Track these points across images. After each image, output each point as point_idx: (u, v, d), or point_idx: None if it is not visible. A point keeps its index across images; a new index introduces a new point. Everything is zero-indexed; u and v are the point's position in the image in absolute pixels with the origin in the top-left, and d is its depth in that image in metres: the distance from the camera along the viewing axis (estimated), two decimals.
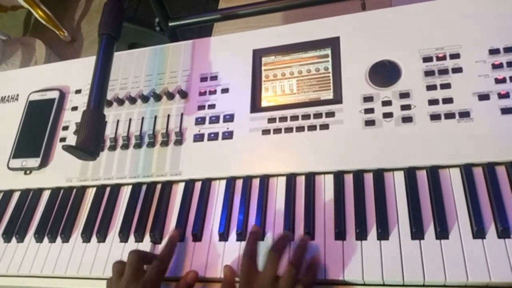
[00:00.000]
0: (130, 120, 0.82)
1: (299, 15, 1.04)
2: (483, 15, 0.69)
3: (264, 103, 0.77)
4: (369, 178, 0.66)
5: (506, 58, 0.66)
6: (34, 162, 0.84)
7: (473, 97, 0.65)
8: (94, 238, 0.74)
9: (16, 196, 0.85)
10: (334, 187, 0.66)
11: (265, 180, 0.71)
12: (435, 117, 0.65)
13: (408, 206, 0.62)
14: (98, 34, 0.74)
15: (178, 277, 0.66)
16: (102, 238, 0.73)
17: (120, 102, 0.84)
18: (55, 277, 0.73)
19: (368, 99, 0.70)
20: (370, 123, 0.68)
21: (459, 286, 0.56)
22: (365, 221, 0.62)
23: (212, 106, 0.78)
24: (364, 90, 0.71)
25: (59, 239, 0.76)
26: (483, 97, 0.64)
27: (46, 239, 0.77)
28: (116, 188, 0.79)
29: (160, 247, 0.70)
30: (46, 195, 0.83)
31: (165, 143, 0.78)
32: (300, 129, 0.71)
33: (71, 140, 0.84)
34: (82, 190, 0.81)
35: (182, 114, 0.79)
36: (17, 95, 0.94)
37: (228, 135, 0.75)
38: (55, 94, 0.89)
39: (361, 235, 0.61)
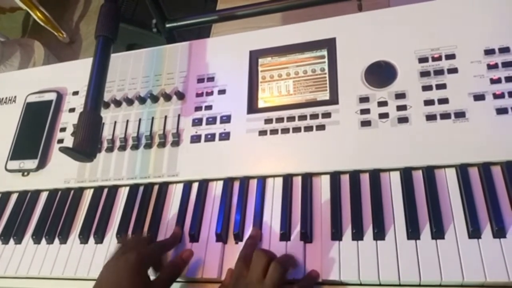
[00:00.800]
0: (127, 121, 0.83)
1: (296, 16, 1.04)
2: (478, 15, 0.70)
3: (260, 104, 0.77)
4: (365, 179, 0.66)
5: (501, 58, 0.66)
6: (31, 163, 0.84)
7: (469, 98, 0.65)
8: (91, 239, 0.74)
9: (13, 197, 0.85)
10: (330, 188, 0.67)
11: (262, 180, 0.71)
12: (430, 117, 0.66)
13: (404, 206, 0.62)
14: (95, 36, 0.74)
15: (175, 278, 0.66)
16: (99, 239, 0.74)
17: (117, 103, 0.84)
18: (53, 279, 0.73)
19: (364, 99, 0.70)
20: (366, 123, 0.68)
21: (455, 286, 0.56)
22: (362, 221, 0.62)
23: (209, 107, 0.79)
24: (360, 91, 0.71)
25: (57, 241, 0.76)
26: (479, 97, 0.65)
27: (44, 241, 0.77)
28: (113, 189, 0.79)
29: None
30: (43, 197, 0.83)
31: (162, 144, 0.78)
32: (296, 129, 0.72)
33: (69, 141, 0.84)
34: (79, 191, 0.81)
35: (179, 115, 0.80)
36: (15, 97, 0.95)
37: (225, 136, 0.75)
38: (52, 96, 0.90)
39: (358, 235, 0.61)
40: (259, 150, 0.72)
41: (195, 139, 0.76)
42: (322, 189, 0.67)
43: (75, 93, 0.90)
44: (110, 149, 0.81)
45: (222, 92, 0.79)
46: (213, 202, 0.72)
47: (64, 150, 0.65)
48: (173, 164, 0.76)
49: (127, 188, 0.78)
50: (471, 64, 0.67)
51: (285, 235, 0.64)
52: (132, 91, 0.85)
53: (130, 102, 0.84)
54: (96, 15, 0.76)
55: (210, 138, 0.76)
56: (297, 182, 0.69)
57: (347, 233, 0.62)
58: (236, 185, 0.72)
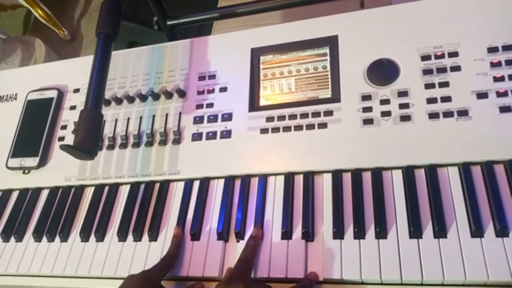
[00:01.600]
0: (128, 119, 0.82)
1: (297, 13, 1.04)
2: (481, 13, 0.69)
3: (262, 102, 0.77)
4: (367, 177, 0.66)
5: (504, 56, 0.65)
6: (32, 161, 0.84)
7: (472, 96, 0.65)
8: (92, 237, 0.74)
9: (14, 195, 0.85)
10: (332, 186, 0.66)
11: (263, 179, 0.71)
12: (433, 115, 0.65)
13: (406, 205, 0.62)
14: (95, 33, 0.74)
15: (177, 276, 0.66)
16: (100, 237, 0.73)
17: (119, 101, 0.84)
18: (53, 276, 0.73)
19: (366, 97, 0.70)
20: (368, 121, 0.68)
21: (457, 285, 0.56)
22: (363, 220, 0.62)
23: (210, 105, 0.78)
24: (363, 89, 0.70)
25: (57, 239, 0.76)
26: (482, 95, 0.64)
27: (44, 239, 0.77)
28: (114, 187, 0.79)
29: (155, 244, 0.70)
30: (44, 195, 0.83)
31: (163, 142, 0.78)
32: (298, 128, 0.71)
33: (70, 139, 0.84)
34: (80, 189, 0.81)
35: (180, 113, 0.79)
36: (16, 94, 0.94)
37: (227, 134, 0.75)
38: (53, 93, 0.89)
39: (359, 234, 0.61)
40: (261, 148, 0.72)
41: (197, 137, 0.76)
42: (324, 187, 0.67)
43: (76, 90, 0.90)
44: (111, 147, 0.81)
45: (223, 89, 0.79)
46: (214, 200, 0.72)
47: (65, 148, 0.65)
48: (174, 162, 0.76)
49: (128, 186, 0.78)
50: (474, 62, 0.67)
51: (286, 234, 0.64)
52: (133, 89, 0.85)
53: (131, 99, 0.83)
54: (97, 12, 0.75)
55: (212, 136, 0.75)
56: (299, 180, 0.69)
57: (349, 231, 0.62)
58: (238, 183, 0.72)
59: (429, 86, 0.67)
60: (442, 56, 0.68)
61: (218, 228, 0.68)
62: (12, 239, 0.79)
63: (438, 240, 0.58)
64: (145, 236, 0.71)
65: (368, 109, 0.69)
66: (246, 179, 0.71)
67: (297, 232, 0.64)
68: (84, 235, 0.74)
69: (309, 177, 0.68)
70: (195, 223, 0.69)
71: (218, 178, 0.74)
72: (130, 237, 0.72)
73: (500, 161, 0.61)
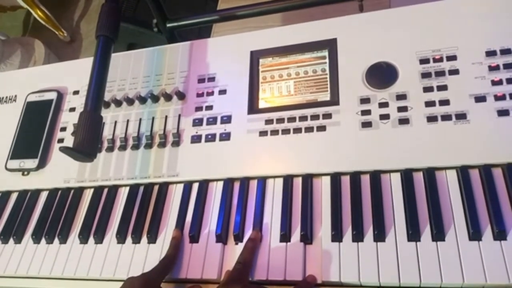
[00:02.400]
0: (127, 121, 0.83)
1: (297, 16, 1.04)
2: (480, 17, 0.69)
3: (261, 105, 0.77)
4: (365, 180, 0.66)
5: (502, 60, 0.66)
6: (32, 163, 0.84)
7: (470, 99, 0.65)
8: (91, 239, 0.74)
9: (14, 197, 0.85)
10: (331, 189, 0.67)
11: (262, 181, 0.71)
12: (431, 118, 0.65)
13: (404, 208, 0.62)
14: (95, 35, 0.74)
15: (175, 278, 0.66)
16: (99, 239, 0.73)
17: (118, 103, 0.84)
18: (52, 278, 0.73)
19: (365, 100, 0.70)
20: (367, 124, 0.68)
21: None
22: (362, 223, 0.62)
23: (209, 108, 0.78)
24: (361, 92, 0.71)
25: (56, 240, 0.76)
26: (480, 99, 0.64)
27: (43, 240, 0.77)
28: (113, 189, 0.79)
29: (154, 247, 0.70)
30: (43, 196, 0.83)
31: (162, 144, 0.78)
32: (297, 130, 0.71)
33: (69, 141, 0.84)
34: (79, 191, 0.81)
35: (179, 116, 0.80)
36: (15, 96, 0.95)
37: (226, 137, 0.75)
38: (53, 95, 0.90)
39: (358, 237, 0.61)
40: (260, 150, 0.72)
41: (196, 139, 0.76)
42: (323, 190, 0.67)
43: (76, 92, 0.90)
44: (110, 149, 0.81)
45: (222, 92, 0.79)
46: (213, 202, 0.72)
47: (65, 150, 0.65)
48: (173, 164, 0.76)
49: (127, 188, 0.78)
50: (472, 66, 0.67)
51: (285, 236, 0.64)
52: (133, 91, 0.85)
53: (130, 102, 0.84)
54: (97, 14, 0.76)
55: (211, 138, 0.75)
56: (298, 183, 0.69)
57: (348, 234, 0.62)
58: (237, 185, 0.72)
59: (427, 89, 0.68)
60: (440, 60, 0.69)
61: (217, 231, 0.68)
62: (11, 240, 0.79)
63: (436, 243, 0.58)
64: (144, 238, 0.71)
65: (366, 112, 0.69)
66: (245, 182, 0.72)
67: (296, 234, 0.64)
68: (83, 237, 0.74)
69: (308, 179, 0.68)
70: (194, 226, 0.69)
71: (217, 180, 0.74)
72: (129, 239, 0.72)
73: (498, 164, 0.61)
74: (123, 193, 0.78)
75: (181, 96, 0.81)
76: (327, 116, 0.71)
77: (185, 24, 1.06)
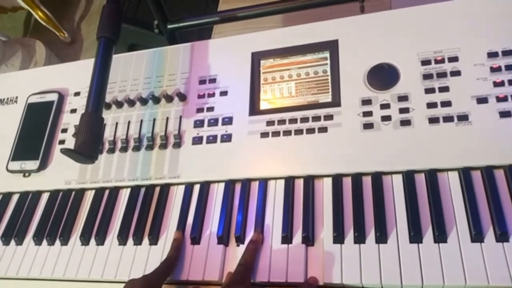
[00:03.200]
0: (129, 122, 0.82)
1: (298, 17, 1.04)
2: (481, 18, 0.69)
3: (262, 106, 0.77)
4: (367, 181, 0.66)
5: (504, 61, 0.65)
6: (33, 164, 0.84)
7: (472, 101, 0.65)
8: (92, 241, 0.74)
9: (15, 198, 0.85)
10: (332, 190, 0.66)
11: (263, 183, 0.71)
12: (433, 120, 0.65)
13: (406, 209, 0.62)
14: (96, 37, 0.74)
15: (177, 280, 0.66)
16: (100, 241, 0.73)
17: (119, 104, 0.84)
18: (53, 280, 0.73)
19: (366, 102, 0.70)
20: (368, 126, 0.68)
21: None
22: (364, 225, 0.62)
23: (210, 109, 0.78)
24: (363, 93, 0.71)
25: (57, 242, 0.76)
26: (482, 100, 0.64)
27: (45, 242, 0.77)
28: (114, 191, 0.79)
29: (155, 248, 0.70)
30: (45, 198, 0.83)
31: (163, 146, 0.78)
32: (298, 132, 0.71)
33: (70, 142, 0.84)
34: (81, 192, 0.81)
35: (180, 117, 0.80)
36: (16, 97, 0.94)
37: (227, 138, 0.75)
38: (54, 97, 0.90)
39: (360, 238, 0.61)
40: (261, 152, 0.72)
41: (197, 140, 0.76)
42: (324, 191, 0.67)
43: (77, 94, 0.90)
44: (111, 150, 0.81)
45: (224, 93, 0.79)
46: (214, 204, 0.72)
47: (66, 152, 0.65)
48: (174, 166, 0.76)
49: (129, 190, 0.78)
50: (474, 67, 0.67)
51: (286, 238, 0.64)
52: (134, 92, 0.85)
53: (131, 103, 0.83)
54: (98, 15, 0.76)
55: (212, 139, 0.75)
56: (299, 184, 0.69)
57: (349, 236, 0.62)
58: (238, 187, 0.72)
59: (429, 90, 0.67)
60: (442, 61, 0.69)
61: (218, 232, 0.68)
62: (12, 242, 0.79)
63: (438, 245, 0.58)
64: (145, 240, 0.71)
65: (368, 114, 0.69)
66: (246, 183, 0.71)
67: (297, 236, 0.64)
68: (85, 239, 0.74)
69: (309, 181, 0.68)
70: (195, 227, 0.69)
71: (218, 182, 0.74)
72: (130, 240, 0.72)
73: (500, 166, 0.61)
74: (124, 195, 0.78)
75: (182, 97, 0.81)
76: (329, 117, 0.71)
77: (186, 25, 1.06)
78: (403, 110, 0.67)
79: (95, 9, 2.42)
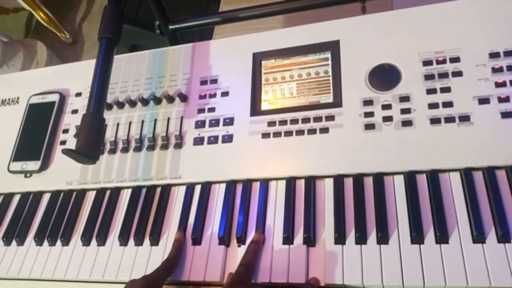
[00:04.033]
0: (130, 123, 0.83)
1: (299, 18, 1.04)
2: (483, 18, 0.69)
3: (264, 107, 0.77)
4: (369, 182, 0.66)
5: (506, 62, 0.65)
6: (34, 165, 0.84)
7: (473, 101, 0.65)
8: (94, 242, 0.74)
9: (16, 199, 0.85)
10: (334, 191, 0.66)
11: (265, 183, 0.71)
12: (435, 121, 0.65)
13: (408, 210, 0.62)
14: (98, 37, 0.74)
15: (178, 280, 0.66)
16: (102, 241, 0.73)
17: (120, 105, 0.84)
18: (55, 280, 0.73)
19: (368, 102, 0.70)
20: (370, 126, 0.68)
21: None
22: (365, 225, 0.62)
23: (212, 110, 0.78)
24: (364, 94, 0.71)
25: (59, 242, 0.76)
26: (483, 101, 0.64)
27: (46, 242, 0.77)
28: (116, 191, 0.79)
29: (156, 249, 0.70)
30: (46, 198, 0.83)
31: (165, 147, 0.78)
32: (300, 132, 0.71)
33: (71, 143, 0.84)
34: (82, 193, 0.81)
35: (182, 118, 0.80)
36: (18, 98, 0.95)
37: (228, 139, 0.75)
38: (55, 97, 0.90)
39: (361, 239, 0.61)
40: (262, 152, 0.72)
41: (198, 141, 0.76)
42: (326, 192, 0.67)
43: (78, 94, 0.90)
44: (112, 151, 0.81)
45: (225, 94, 0.79)
46: (215, 204, 0.72)
47: (67, 152, 0.65)
48: (175, 166, 0.76)
49: (130, 190, 0.78)
50: (476, 68, 0.67)
51: (288, 239, 0.64)
52: (135, 93, 0.85)
53: (133, 104, 0.84)
54: (99, 15, 0.76)
55: (213, 140, 0.75)
56: (300, 185, 0.69)
57: (351, 237, 0.62)
58: (239, 187, 0.72)
59: (430, 91, 0.67)
60: (443, 62, 0.68)
61: (219, 233, 0.68)
62: (14, 242, 0.79)
63: (440, 245, 0.58)
64: (147, 241, 0.71)
65: (369, 114, 0.69)
66: (247, 184, 0.71)
67: (299, 237, 0.64)
68: (86, 239, 0.74)
69: (311, 182, 0.68)
70: (196, 228, 0.69)
71: (219, 182, 0.74)
72: (131, 241, 0.72)
73: (502, 166, 0.61)
74: (125, 195, 0.78)
75: (184, 98, 0.81)
76: (330, 118, 0.71)
77: (187, 26, 1.06)
78: (405, 111, 0.67)
79: (96, 10, 2.42)
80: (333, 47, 0.76)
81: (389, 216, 0.62)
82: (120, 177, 0.78)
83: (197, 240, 0.68)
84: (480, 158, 0.61)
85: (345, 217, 0.64)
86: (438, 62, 0.69)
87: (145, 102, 0.83)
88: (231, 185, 0.72)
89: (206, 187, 0.73)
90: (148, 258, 0.70)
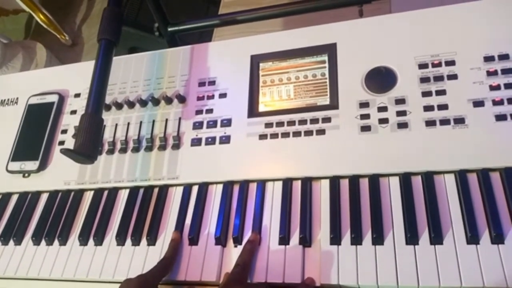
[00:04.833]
0: (128, 124, 0.83)
1: (298, 21, 1.05)
2: (478, 22, 0.70)
3: (261, 108, 0.77)
4: (364, 183, 0.66)
5: (500, 65, 0.66)
6: (32, 165, 0.84)
7: (468, 104, 0.65)
8: (91, 241, 0.74)
9: (14, 198, 0.86)
10: (330, 192, 0.67)
11: (261, 184, 0.71)
12: (430, 123, 0.66)
13: (403, 211, 0.62)
14: (97, 39, 0.75)
15: (174, 280, 0.66)
16: (99, 241, 0.74)
17: (119, 106, 0.85)
18: (52, 280, 0.74)
19: (364, 105, 0.70)
20: (366, 128, 0.69)
21: None
22: (360, 226, 0.62)
23: (209, 111, 0.79)
24: (360, 96, 0.71)
25: (56, 242, 0.76)
26: (478, 103, 0.65)
27: (43, 242, 0.77)
28: (113, 192, 0.79)
29: (153, 249, 0.70)
30: (44, 198, 0.83)
31: (162, 147, 0.78)
32: (296, 134, 0.72)
33: (70, 143, 0.85)
34: (80, 193, 0.81)
35: (180, 119, 0.80)
36: (17, 98, 0.95)
37: (226, 140, 0.75)
38: (54, 98, 0.90)
39: (356, 240, 0.61)
40: (259, 154, 0.73)
41: (196, 142, 0.77)
42: (322, 193, 0.68)
43: (77, 95, 0.90)
44: (111, 151, 0.81)
45: (223, 96, 0.80)
46: (212, 205, 0.72)
47: (65, 152, 0.65)
48: (173, 167, 0.76)
49: (127, 191, 0.79)
50: (470, 71, 0.67)
51: (284, 239, 0.65)
52: (134, 94, 0.86)
53: (131, 105, 0.84)
54: (99, 18, 0.76)
55: (211, 141, 0.76)
56: (297, 186, 0.69)
57: (346, 237, 0.62)
58: (236, 188, 0.73)
59: (426, 94, 0.68)
60: (439, 65, 0.69)
61: (216, 233, 0.68)
62: (11, 242, 0.79)
63: (434, 246, 0.58)
64: (144, 241, 0.72)
65: (365, 116, 0.69)
66: (244, 185, 0.72)
67: (295, 237, 0.65)
68: (83, 239, 0.75)
69: (307, 183, 0.69)
70: (193, 228, 0.70)
71: (216, 183, 0.74)
72: (128, 241, 0.72)
73: (496, 168, 0.62)
74: (123, 196, 0.78)
75: (182, 99, 0.81)
76: (327, 120, 0.71)
77: (186, 28, 1.07)
78: (400, 113, 0.68)
79: (96, 12, 2.43)
80: (330, 50, 0.77)
81: (384, 217, 0.62)
82: (118, 177, 0.79)
83: (193, 240, 0.69)
84: (475, 160, 0.62)
85: (340, 218, 0.64)
86: (434, 65, 0.69)
87: (143, 103, 0.83)
88: (228, 185, 0.73)
89: (203, 187, 0.74)
90: (145, 258, 0.70)
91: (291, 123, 0.73)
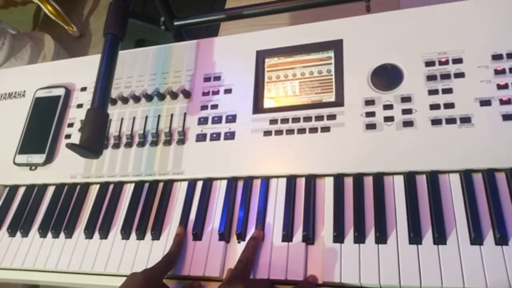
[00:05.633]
0: (134, 118, 0.83)
1: (304, 16, 1.04)
2: (486, 20, 0.69)
3: (266, 104, 0.77)
4: (369, 182, 0.66)
5: (509, 64, 0.65)
6: (39, 158, 0.85)
7: (475, 103, 0.65)
8: (96, 235, 0.75)
9: (21, 191, 0.87)
10: (333, 190, 0.67)
11: (265, 181, 0.71)
12: (436, 122, 0.65)
13: (407, 210, 0.62)
14: (103, 33, 0.75)
15: (178, 275, 0.67)
16: (104, 234, 0.75)
17: (125, 100, 0.85)
18: (57, 272, 0.75)
19: (369, 102, 0.70)
20: (371, 126, 0.68)
21: None
22: (364, 225, 0.62)
23: (215, 107, 0.79)
24: (366, 94, 0.71)
25: (62, 235, 0.77)
26: (485, 102, 0.64)
27: (50, 234, 0.78)
28: (119, 186, 0.80)
29: (158, 243, 0.71)
30: (50, 191, 0.84)
31: (168, 142, 0.79)
32: (301, 131, 0.72)
33: (76, 137, 0.85)
34: (85, 186, 0.82)
35: (185, 114, 0.80)
36: (24, 91, 0.96)
37: (230, 136, 0.75)
38: (61, 91, 0.91)
39: (359, 238, 0.61)
40: (264, 150, 0.73)
41: (201, 137, 0.77)
42: (326, 191, 0.68)
43: (83, 89, 0.91)
44: (116, 146, 0.82)
45: (228, 91, 0.79)
46: (216, 201, 0.72)
47: (71, 146, 0.66)
48: (178, 162, 0.77)
49: (133, 185, 0.79)
50: (478, 69, 0.67)
51: (287, 236, 0.65)
52: (139, 89, 0.86)
53: (137, 99, 0.84)
54: (106, 9, 0.76)
55: (215, 137, 0.76)
56: (301, 183, 0.69)
57: (349, 236, 0.62)
58: (240, 184, 0.73)
59: (432, 92, 0.67)
60: (446, 63, 0.68)
61: (220, 229, 0.68)
62: (18, 234, 0.81)
63: (438, 246, 0.58)
64: (148, 235, 0.72)
65: (371, 114, 0.69)
66: (248, 181, 0.72)
67: (298, 234, 0.65)
68: (89, 232, 0.75)
69: (311, 180, 0.69)
70: (197, 223, 0.70)
71: (221, 179, 0.74)
72: (133, 235, 0.73)
73: (501, 169, 0.61)
74: (128, 190, 0.79)
75: (187, 94, 0.81)
76: (332, 117, 0.71)
77: (192, 22, 1.06)
78: (406, 111, 0.67)
79: (103, 4, 2.43)
80: (336, 46, 0.76)
81: (388, 216, 0.62)
82: (123, 171, 0.79)
83: (197, 236, 0.69)
84: (480, 160, 0.62)
85: (344, 216, 0.64)
86: (441, 63, 0.69)
87: (149, 98, 0.83)
88: (232, 181, 0.73)
89: (208, 183, 0.74)
90: (150, 252, 0.71)
91: (296, 120, 0.73)
